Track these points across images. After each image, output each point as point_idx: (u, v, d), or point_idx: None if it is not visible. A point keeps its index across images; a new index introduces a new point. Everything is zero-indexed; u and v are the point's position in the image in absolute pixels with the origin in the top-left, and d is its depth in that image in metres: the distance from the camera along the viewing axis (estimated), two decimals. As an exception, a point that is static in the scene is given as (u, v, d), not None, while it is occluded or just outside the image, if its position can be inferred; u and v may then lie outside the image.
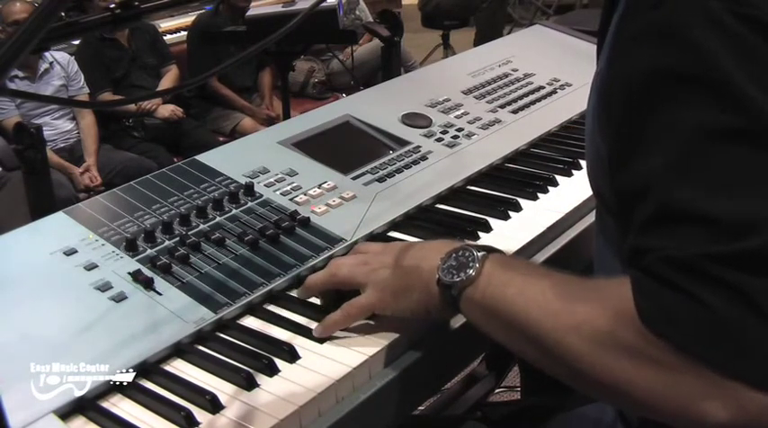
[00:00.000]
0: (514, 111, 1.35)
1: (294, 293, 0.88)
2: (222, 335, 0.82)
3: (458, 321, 0.84)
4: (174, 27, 4.28)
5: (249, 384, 0.74)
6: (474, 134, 1.26)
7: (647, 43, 0.60)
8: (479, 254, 0.71)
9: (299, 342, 0.80)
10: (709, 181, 0.56)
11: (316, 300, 0.87)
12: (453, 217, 1.06)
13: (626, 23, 0.64)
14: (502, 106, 1.36)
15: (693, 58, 0.57)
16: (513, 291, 0.67)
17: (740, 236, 0.54)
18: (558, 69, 1.52)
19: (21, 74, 3.19)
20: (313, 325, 0.82)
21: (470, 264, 0.71)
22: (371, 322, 0.82)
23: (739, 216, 0.54)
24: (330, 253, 0.94)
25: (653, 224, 0.58)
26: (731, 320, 0.53)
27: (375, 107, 1.29)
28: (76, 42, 3.50)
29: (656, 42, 0.60)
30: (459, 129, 1.26)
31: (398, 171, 1.13)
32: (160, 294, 0.85)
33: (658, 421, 0.60)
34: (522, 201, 1.08)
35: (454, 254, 0.73)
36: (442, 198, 1.11)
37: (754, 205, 0.55)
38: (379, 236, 1.01)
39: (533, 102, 1.39)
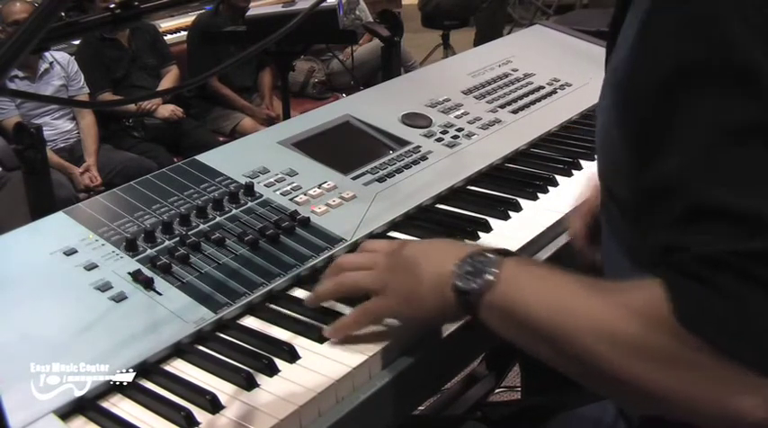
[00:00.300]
0: (514, 111, 1.35)
1: (295, 293, 0.89)
2: (222, 335, 0.82)
3: (457, 322, 0.84)
4: (174, 27, 4.27)
5: (249, 384, 0.74)
6: (474, 134, 1.26)
7: (675, 38, 0.59)
8: (496, 258, 0.69)
9: (299, 342, 0.80)
10: (741, 176, 0.55)
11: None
12: (453, 217, 1.06)
13: (653, 18, 0.63)
14: (502, 106, 1.36)
15: (723, 53, 0.57)
16: (535, 297, 0.65)
17: None
18: (558, 69, 1.52)
19: (21, 74, 3.19)
20: (313, 325, 0.82)
21: (487, 269, 0.69)
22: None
23: None
24: (330, 253, 0.94)
25: (685, 221, 0.57)
26: None
27: (375, 107, 1.29)
28: (76, 42, 3.50)
29: (685, 37, 0.59)
30: (460, 129, 1.26)
31: (398, 171, 1.13)
32: (160, 294, 0.85)
33: (673, 421, 0.60)
34: (522, 201, 1.08)
35: (469, 259, 0.71)
36: (441, 198, 1.11)
37: None
38: (379, 236, 1.01)
39: (533, 102, 1.40)
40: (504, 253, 0.71)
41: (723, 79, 0.57)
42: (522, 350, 0.69)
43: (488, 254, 0.70)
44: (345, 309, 0.84)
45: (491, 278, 0.68)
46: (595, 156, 0.83)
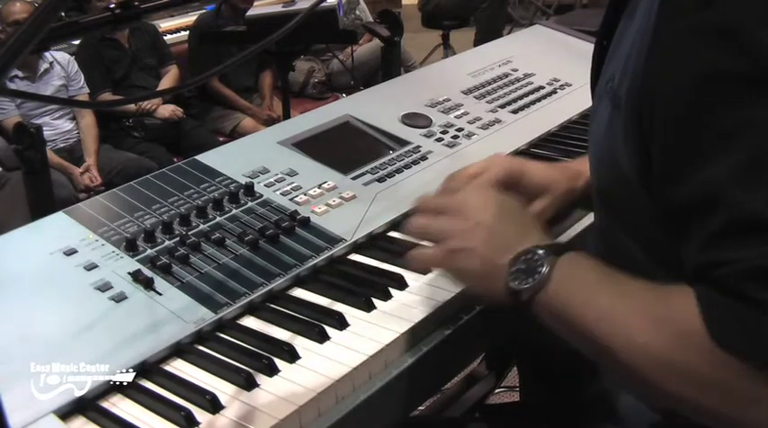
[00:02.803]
0: (514, 111, 1.35)
1: (295, 293, 0.89)
2: (222, 335, 0.82)
3: (457, 322, 0.85)
4: (174, 27, 4.27)
5: (249, 384, 0.74)
6: (474, 134, 1.26)
7: (703, 44, 0.57)
8: (549, 257, 0.68)
9: (299, 342, 0.80)
10: None
11: (315, 300, 0.87)
12: (453, 217, 1.06)
13: (667, 27, 0.60)
14: (502, 106, 1.36)
15: (758, 60, 0.55)
16: (581, 302, 0.65)
17: None
18: (558, 69, 1.52)
19: (21, 74, 3.19)
20: (313, 325, 0.82)
21: (539, 270, 0.68)
22: (371, 322, 0.82)
23: None
24: (330, 253, 0.94)
25: (723, 235, 0.56)
26: None
27: (375, 107, 1.29)
28: (76, 42, 3.50)
29: (715, 43, 0.56)
30: (460, 129, 1.26)
31: (398, 171, 1.13)
32: (160, 294, 0.85)
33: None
34: (522, 201, 1.07)
35: (523, 257, 0.70)
36: (442, 198, 1.10)
37: None
38: (379, 237, 1.01)
39: (533, 102, 1.40)
40: (558, 249, 0.70)
41: (759, 87, 0.55)
42: (520, 351, 0.69)
43: (540, 252, 0.69)
44: (344, 308, 0.84)
45: (539, 279, 0.67)
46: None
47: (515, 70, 1.51)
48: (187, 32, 4.04)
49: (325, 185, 1.07)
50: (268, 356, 0.77)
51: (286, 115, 2.84)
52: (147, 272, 0.87)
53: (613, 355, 0.62)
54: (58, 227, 0.94)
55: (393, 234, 1.02)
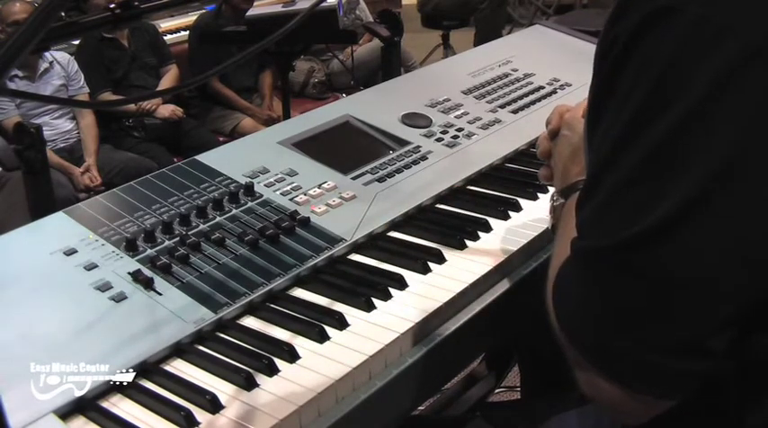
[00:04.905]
0: (514, 111, 1.35)
1: (295, 293, 0.88)
2: (222, 335, 0.82)
3: (457, 322, 0.85)
4: (174, 27, 4.27)
5: (249, 384, 0.74)
6: (474, 134, 1.26)
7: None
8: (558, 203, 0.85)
9: (299, 342, 0.80)
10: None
11: (315, 300, 0.87)
12: (453, 217, 1.06)
13: None
14: (502, 106, 1.36)
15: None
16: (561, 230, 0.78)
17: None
18: (558, 69, 1.52)
19: (21, 73, 3.18)
20: (313, 325, 0.82)
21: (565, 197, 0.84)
22: (371, 322, 0.82)
23: None
24: (330, 253, 0.94)
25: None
26: None
27: (375, 107, 1.29)
28: (76, 42, 3.49)
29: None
30: (460, 129, 1.26)
31: (398, 171, 1.13)
32: (160, 294, 0.85)
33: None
34: (522, 201, 1.08)
35: (565, 190, 0.84)
36: (441, 198, 1.11)
37: None
38: (379, 237, 1.01)
39: (533, 102, 1.40)
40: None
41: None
42: (522, 349, 0.70)
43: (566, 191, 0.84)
44: (344, 308, 0.85)
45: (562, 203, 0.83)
46: None
47: (515, 70, 1.51)
48: (187, 32, 4.03)
49: (325, 185, 1.07)
50: (268, 356, 0.77)
51: (286, 115, 2.84)
52: (147, 272, 0.87)
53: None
54: (57, 227, 0.94)
55: (393, 234, 1.02)
